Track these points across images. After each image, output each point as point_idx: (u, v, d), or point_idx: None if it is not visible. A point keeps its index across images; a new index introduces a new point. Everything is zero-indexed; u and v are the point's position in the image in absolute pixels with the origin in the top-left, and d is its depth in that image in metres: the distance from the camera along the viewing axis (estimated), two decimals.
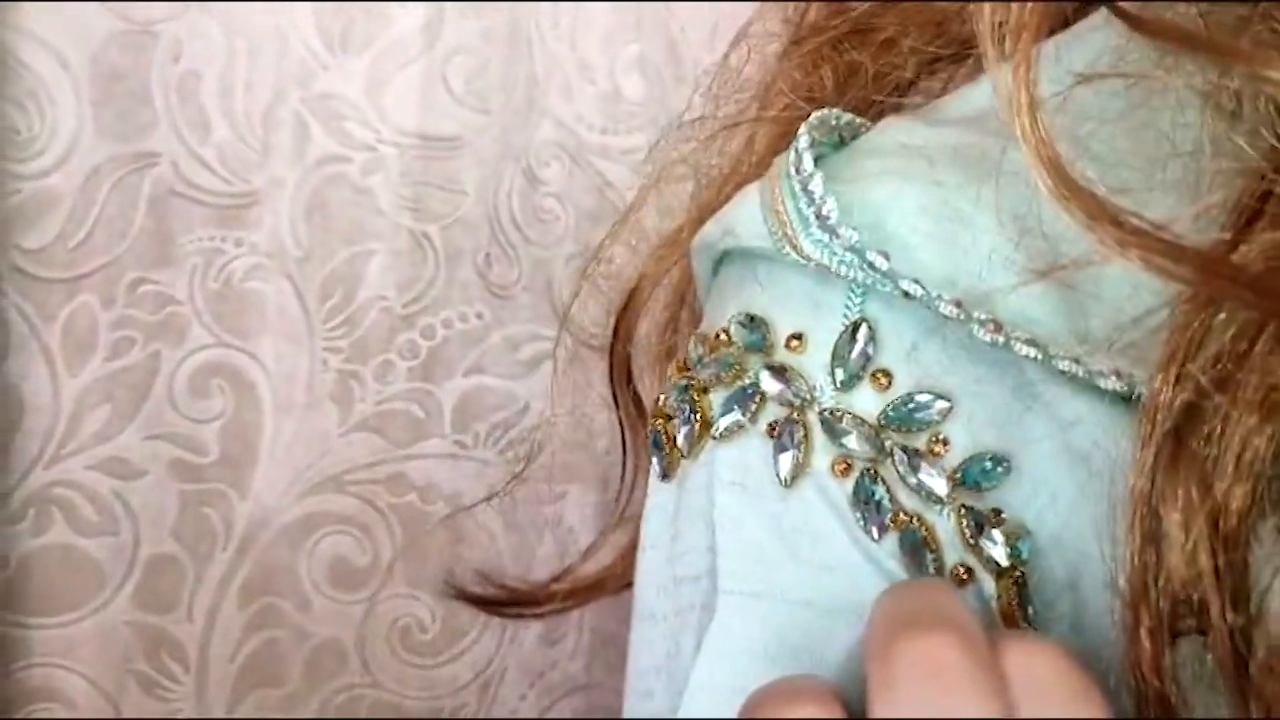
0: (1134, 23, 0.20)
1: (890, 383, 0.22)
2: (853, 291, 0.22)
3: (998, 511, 0.22)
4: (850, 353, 0.22)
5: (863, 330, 0.22)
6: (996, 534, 0.21)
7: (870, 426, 0.22)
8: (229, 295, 0.57)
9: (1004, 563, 0.21)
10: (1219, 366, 0.18)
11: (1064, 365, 0.21)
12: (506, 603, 0.41)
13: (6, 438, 0.53)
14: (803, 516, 0.23)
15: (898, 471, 0.22)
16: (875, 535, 0.22)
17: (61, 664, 0.54)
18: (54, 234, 0.53)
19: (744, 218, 0.23)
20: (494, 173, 0.61)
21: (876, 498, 0.22)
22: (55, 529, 0.54)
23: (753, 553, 0.23)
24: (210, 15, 0.56)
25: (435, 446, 0.62)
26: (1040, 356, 0.21)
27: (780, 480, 0.23)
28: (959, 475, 0.22)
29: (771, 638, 0.22)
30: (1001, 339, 0.21)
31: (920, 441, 0.22)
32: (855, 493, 0.22)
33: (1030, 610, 0.21)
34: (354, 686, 0.62)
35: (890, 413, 0.22)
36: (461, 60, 0.61)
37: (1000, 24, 0.21)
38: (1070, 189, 0.19)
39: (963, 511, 0.22)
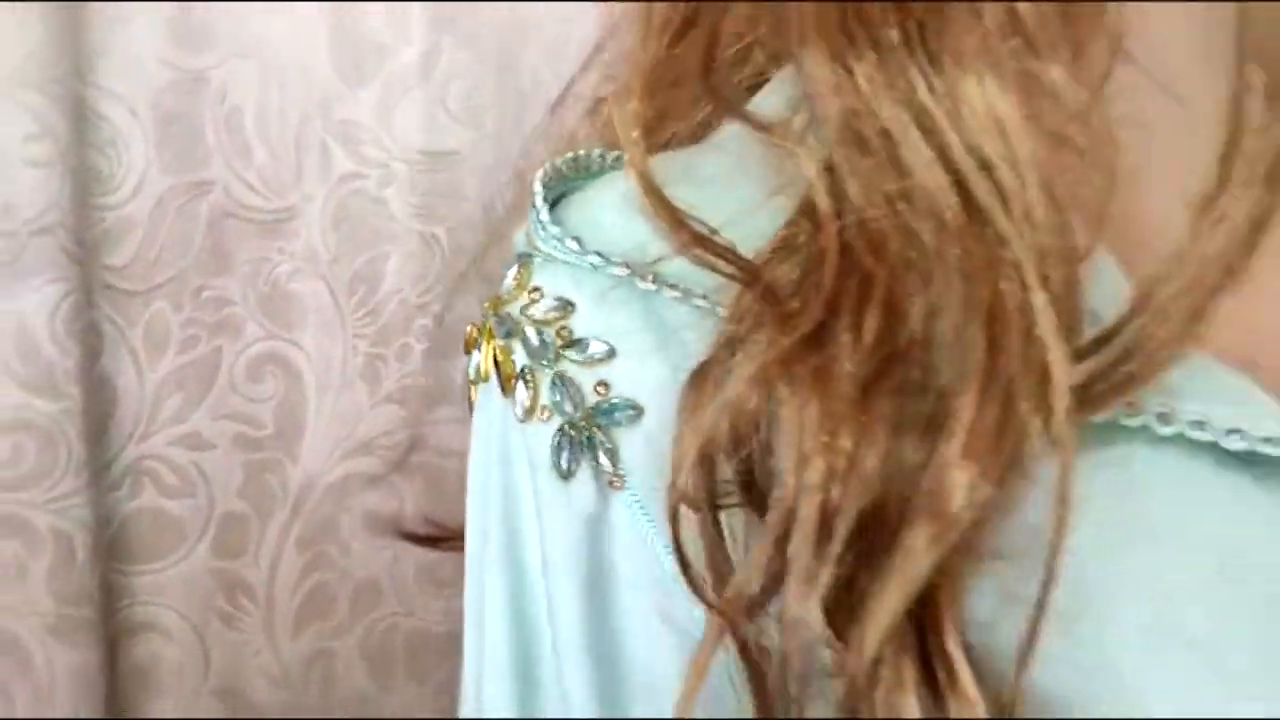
0: (723, 105, 0.31)
1: (571, 334, 0.31)
2: (559, 268, 0.32)
3: (606, 385, 0.30)
4: (549, 314, 0.31)
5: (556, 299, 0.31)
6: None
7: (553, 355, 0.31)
8: (275, 296, 0.68)
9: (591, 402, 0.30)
10: (740, 326, 0.27)
11: (698, 303, 0.31)
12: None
13: (104, 422, 0.65)
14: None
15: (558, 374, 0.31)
16: (520, 415, 0.31)
17: (157, 602, 0.66)
18: (132, 254, 0.65)
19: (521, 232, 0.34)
20: (491, 180, 0.73)
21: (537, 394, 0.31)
22: (146, 494, 0.66)
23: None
24: (247, 59, 0.67)
25: (449, 414, 0.74)
26: (680, 297, 0.31)
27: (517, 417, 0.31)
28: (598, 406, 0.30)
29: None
30: (655, 288, 0.30)
31: (586, 377, 0.31)
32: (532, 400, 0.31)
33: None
34: (391, 615, 0.74)
35: (570, 354, 0.30)
36: (457, 85, 0.72)
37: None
38: (659, 204, 0.30)
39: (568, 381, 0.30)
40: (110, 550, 0.65)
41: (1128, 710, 0.26)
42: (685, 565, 0.28)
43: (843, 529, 0.24)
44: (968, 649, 0.25)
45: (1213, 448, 0.28)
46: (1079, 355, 0.26)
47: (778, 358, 0.25)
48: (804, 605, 0.24)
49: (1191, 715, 0.25)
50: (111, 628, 0.65)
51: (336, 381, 0.70)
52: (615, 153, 0.35)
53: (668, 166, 0.31)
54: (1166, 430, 0.28)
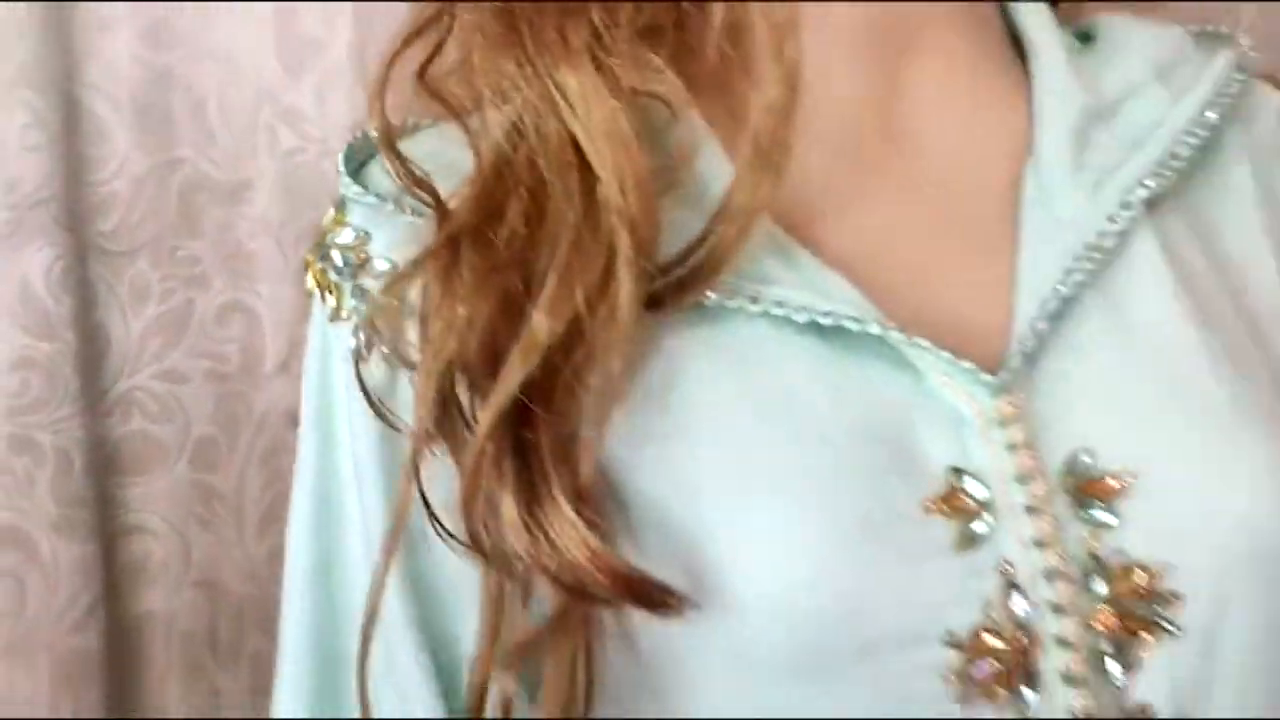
0: (428, 96, 0.43)
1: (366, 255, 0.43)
2: (355, 208, 0.44)
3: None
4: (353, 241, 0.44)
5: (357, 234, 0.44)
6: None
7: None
8: (238, 254, 0.82)
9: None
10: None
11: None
12: None
13: (98, 361, 0.79)
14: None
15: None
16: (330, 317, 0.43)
17: (145, 509, 0.80)
18: (118, 221, 0.78)
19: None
20: None
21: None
22: (134, 420, 0.80)
23: None
24: (208, 58, 0.80)
25: None
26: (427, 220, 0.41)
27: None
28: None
29: None
30: (412, 218, 0.42)
31: (374, 286, 0.42)
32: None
33: None
34: None
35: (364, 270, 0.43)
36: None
37: None
38: (390, 155, 0.42)
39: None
40: (106, 466, 0.80)
41: (695, 508, 0.38)
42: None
43: (465, 374, 0.37)
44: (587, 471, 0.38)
45: (789, 321, 0.40)
46: (663, 267, 0.39)
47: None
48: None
49: (732, 511, 0.38)
50: (108, 530, 0.80)
51: (289, 322, 0.83)
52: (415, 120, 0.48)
53: (428, 134, 0.44)
54: (755, 308, 0.40)
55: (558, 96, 0.37)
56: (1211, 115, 0.45)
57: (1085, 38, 0.50)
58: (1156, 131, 0.44)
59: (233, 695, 0.83)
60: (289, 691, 0.47)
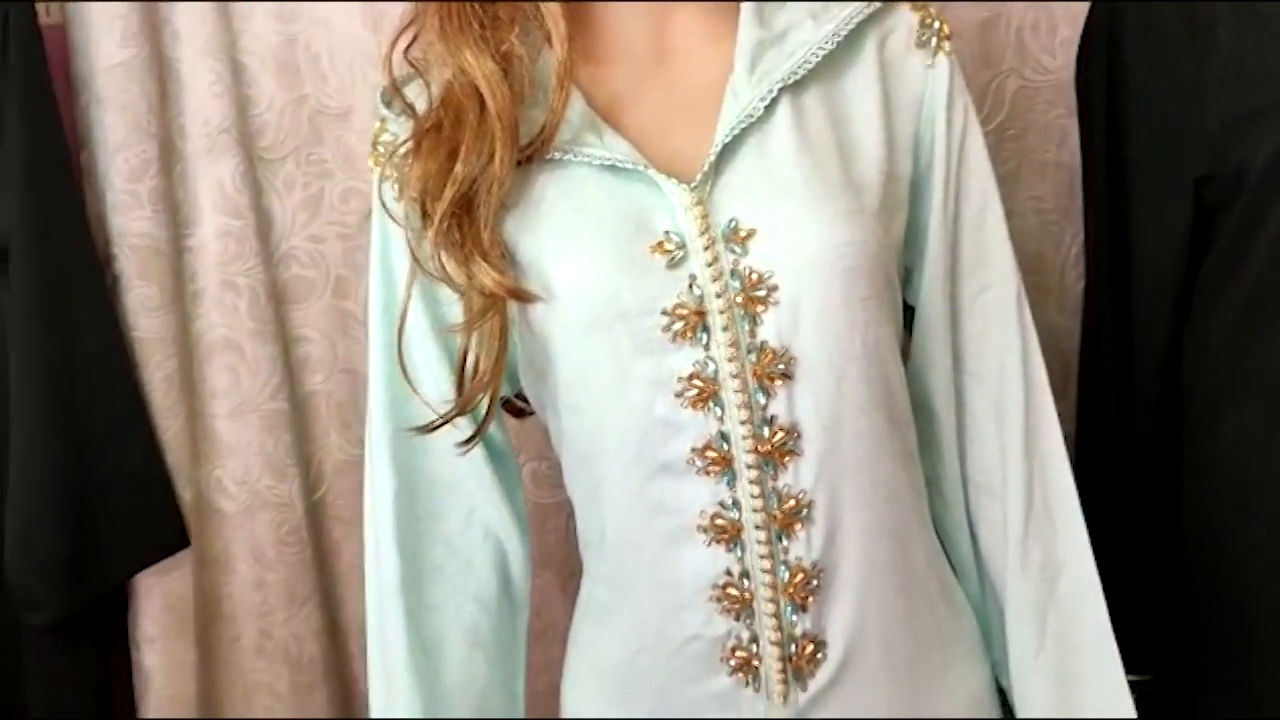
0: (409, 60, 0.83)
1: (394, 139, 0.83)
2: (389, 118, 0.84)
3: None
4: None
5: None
6: None
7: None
8: (350, 155, 1.24)
9: None
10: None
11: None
12: None
13: (268, 231, 1.23)
14: None
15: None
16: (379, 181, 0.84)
17: (307, 326, 1.25)
18: (271, 139, 1.22)
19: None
20: None
21: None
22: (294, 267, 1.24)
23: None
24: (320, 25, 1.22)
25: None
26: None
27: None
28: None
29: None
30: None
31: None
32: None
33: None
34: None
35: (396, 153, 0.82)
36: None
37: None
38: (389, 78, 0.83)
39: None
40: (278, 297, 1.24)
41: (542, 255, 0.79)
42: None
43: (436, 202, 0.78)
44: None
45: (595, 165, 0.80)
46: (527, 143, 0.79)
47: (410, 140, 0.79)
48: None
49: (558, 254, 0.78)
50: (284, 338, 1.25)
51: None
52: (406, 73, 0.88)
53: (412, 81, 0.85)
54: (577, 160, 0.80)
55: (465, 63, 0.77)
56: (837, 38, 0.81)
57: None
58: (801, 50, 0.80)
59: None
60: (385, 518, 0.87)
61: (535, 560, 0.95)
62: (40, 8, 1.14)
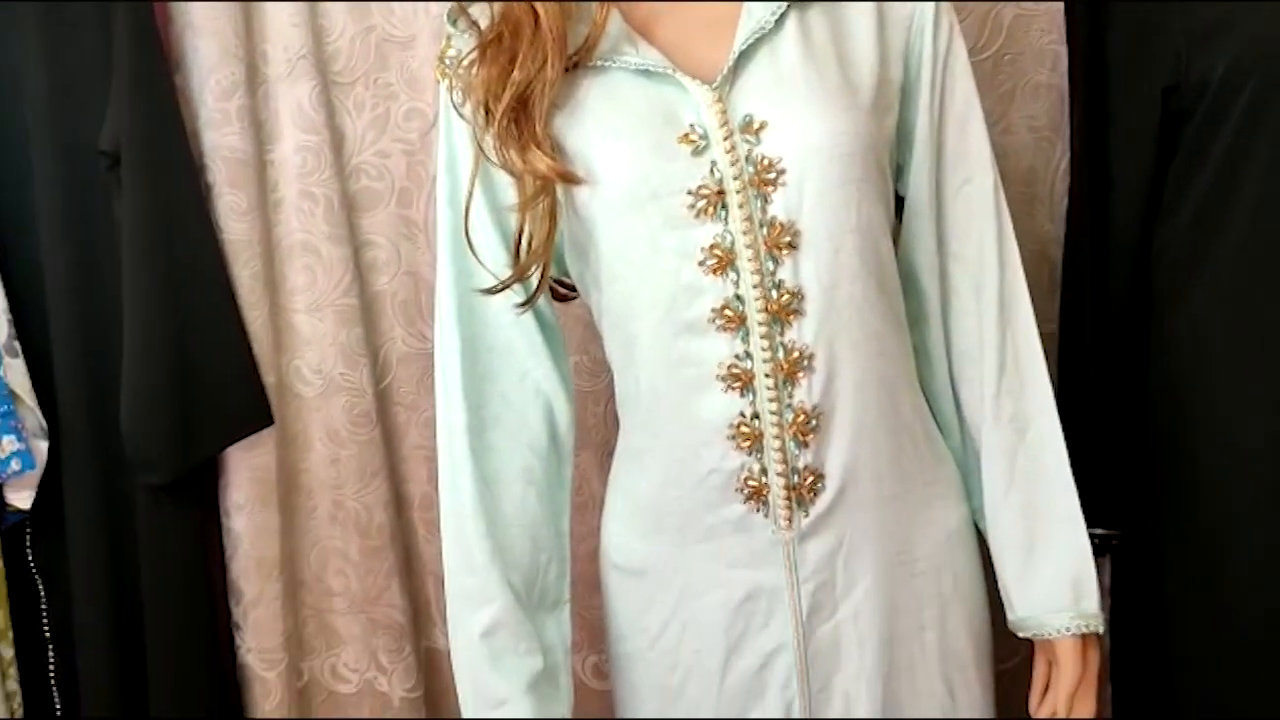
0: None
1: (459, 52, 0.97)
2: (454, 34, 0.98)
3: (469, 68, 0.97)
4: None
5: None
6: None
7: None
8: (413, 79, 1.39)
9: None
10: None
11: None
12: None
13: (341, 146, 1.38)
14: None
15: None
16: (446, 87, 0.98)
17: (374, 232, 1.41)
18: (343, 64, 1.37)
19: None
20: None
21: None
22: (363, 180, 1.40)
23: None
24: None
25: None
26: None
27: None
28: None
29: None
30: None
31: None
32: None
33: None
34: None
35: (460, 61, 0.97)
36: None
37: None
38: (460, 12, 0.99)
39: None
40: (350, 206, 1.40)
41: (587, 144, 0.94)
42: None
43: (498, 102, 0.92)
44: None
45: (631, 70, 0.95)
46: (574, 52, 0.93)
47: (475, 50, 0.94)
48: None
49: (599, 142, 0.94)
50: (354, 242, 1.40)
51: None
52: None
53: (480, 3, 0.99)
54: (616, 65, 0.95)
55: None
56: None
57: None
58: None
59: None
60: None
61: (576, 439, 1.10)
62: None
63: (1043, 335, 1.23)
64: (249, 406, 1.35)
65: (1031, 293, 1.06)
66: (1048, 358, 1.06)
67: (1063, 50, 1.34)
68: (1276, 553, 1.15)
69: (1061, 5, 1.30)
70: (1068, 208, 1.29)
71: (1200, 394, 1.16)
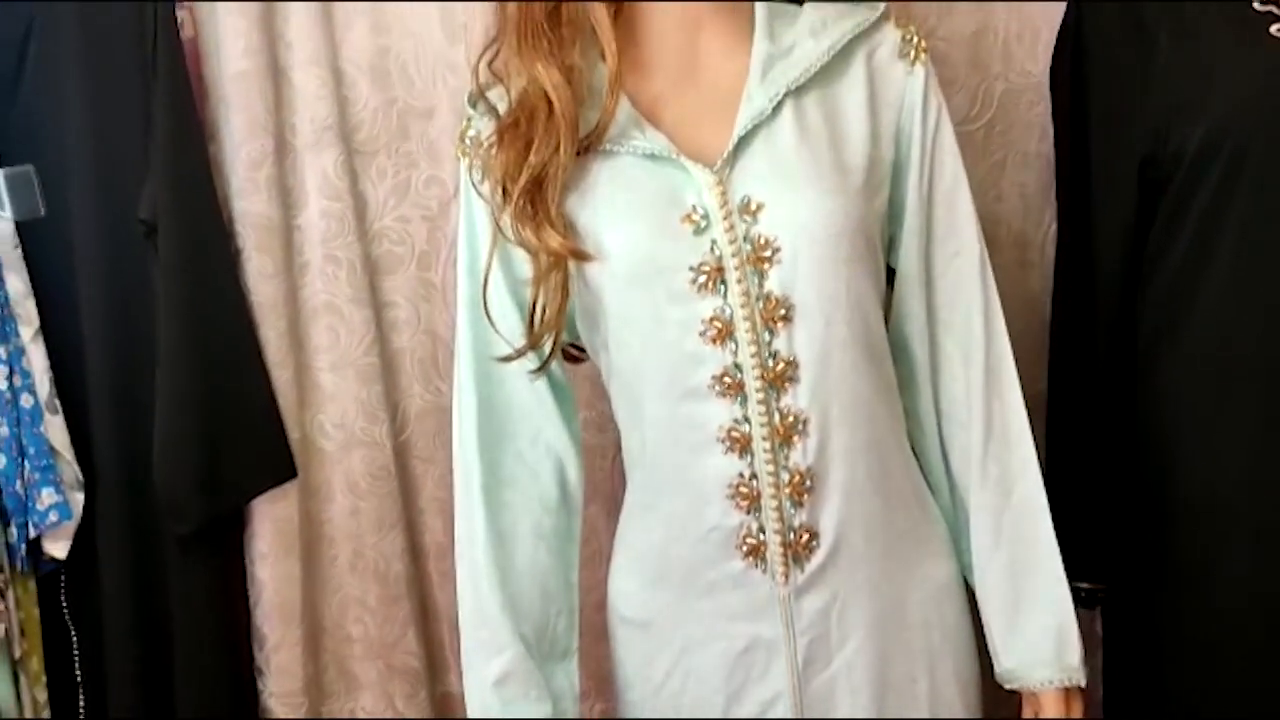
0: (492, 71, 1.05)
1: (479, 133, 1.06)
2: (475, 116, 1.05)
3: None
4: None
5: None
6: None
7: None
8: (432, 150, 1.46)
9: None
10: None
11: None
12: None
13: (363, 212, 1.45)
14: None
15: None
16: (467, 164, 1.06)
17: (396, 294, 1.47)
18: (366, 134, 1.44)
19: None
20: None
21: None
22: (384, 244, 1.47)
23: None
24: (408, 37, 1.44)
25: None
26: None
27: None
28: None
29: None
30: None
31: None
32: None
33: None
34: None
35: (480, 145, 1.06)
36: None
37: None
38: (476, 85, 1.07)
39: None
40: (372, 268, 1.47)
41: (596, 224, 1.01)
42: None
43: (514, 183, 0.99)
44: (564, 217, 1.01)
45: (638, 154, 1.02)
46: (585, 137, 1.00)
47: (494, 134, 1.01)
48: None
49: (609, 223, 1.00)
50: (375, 304, 1.47)
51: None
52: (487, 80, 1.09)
53: (494, 88, 1.06)
54: (624, 150, 1.02)
55: (537, 74, 0.99)
56: (833, 52, 1.02)
57: (799, 3, 1.07)
58: (803, 62, 1.01)
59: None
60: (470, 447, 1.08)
61: (585, 493, 1.16)
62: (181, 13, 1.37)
63: (1036, 395, 1.30)
64: (274, 459, 1.41)
65: (1025, 353, 1.12)
66: (1037, 416, 1.12)
67: (1050, 122, 1.40)
68: (1260, 601, 1.20)
69: (1048, 79, 1.37)
70: (1055, 269, 1.35)
71: (1180, 447, 1.21)
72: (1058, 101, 1.32)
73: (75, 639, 1.42)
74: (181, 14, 1.39)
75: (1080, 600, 1.26)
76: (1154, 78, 1.18)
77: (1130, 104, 1.20)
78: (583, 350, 1.14)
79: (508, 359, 1.05)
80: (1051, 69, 1.33)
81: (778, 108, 1.01)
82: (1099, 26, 1.24)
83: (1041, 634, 1.06)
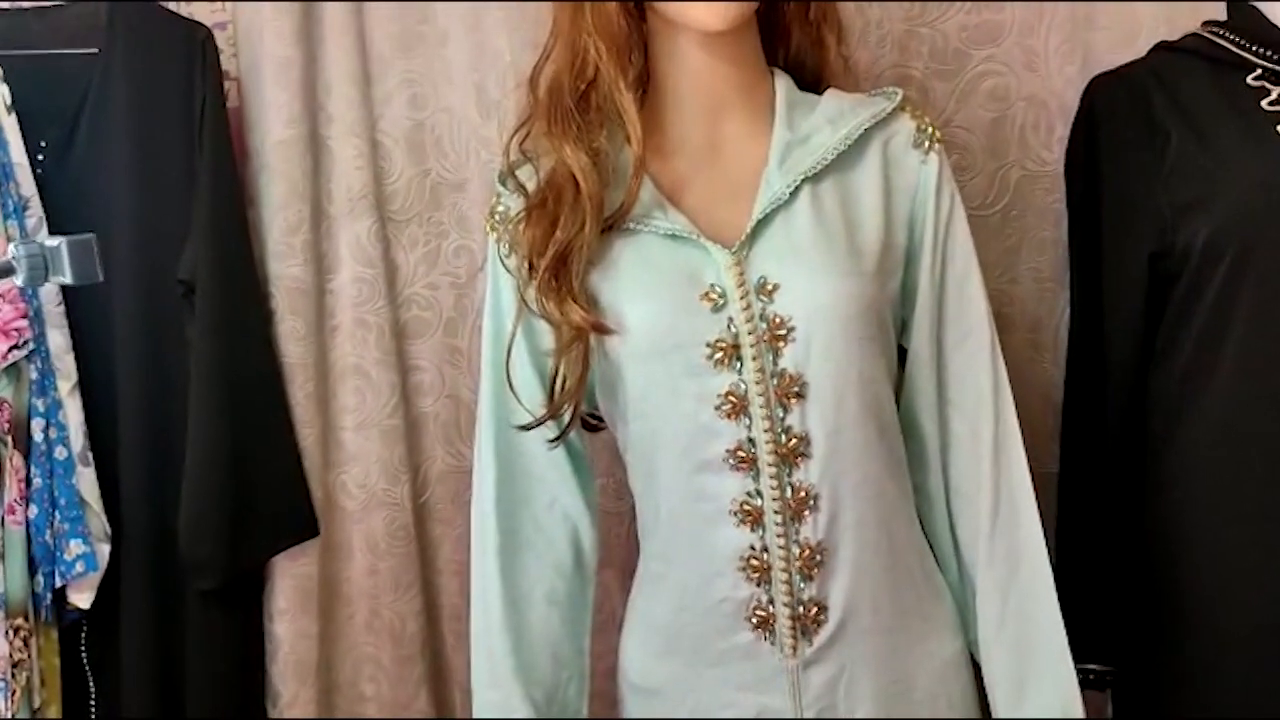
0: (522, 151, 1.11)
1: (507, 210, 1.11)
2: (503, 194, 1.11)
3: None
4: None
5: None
6: None
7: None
8: (463, 220, 1.51)
9: None
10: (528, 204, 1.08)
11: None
12: None
13: (394, 278, 1.50)
14: None
15: None
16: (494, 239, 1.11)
17: (422, 359, 1.51)
18: (400, 204, 1.49)
19: None
20: None
21: None
22: (414, 309, 1.50)
23: None
24: (442, 112, 1.49)
25: None
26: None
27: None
28: None
29: None
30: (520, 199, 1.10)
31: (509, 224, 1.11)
32: None
33: None
34: None
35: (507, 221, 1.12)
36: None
37: None
38: (506, 163, 1.13)
39: None
40: (399, 333, 1.51)
41: (618, 300, 1.04)
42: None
43: (540, 259, 1.03)
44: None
45: (660, 234, 1.06)
46: (609, 216, 1.04)
47: (523, 211, 1.05)
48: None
49: (630, 300, 1.04)
50: (402, 367, 1.51)
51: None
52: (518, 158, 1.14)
53: (523, 166, 1.11)
54: (646, 229, 1.06)
55: (565, 156, 1.04)
56: (849, 141, 1.06)
57: (819, 92, 1.11)
58: (820, 150, 1.05)
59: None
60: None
61: (599, 559, 1.19)
62: (228, 84, 1.44)
63: (1046, 475, 1.32)
64: (297, 517, 1.44)
65: (1036, 434, 1.14)
66: (1047, 497, 1.14)
67: (1064, 209, 1.44)
68: (1270, 690, 1.21)
69: (1062, 168, 1.41)
70: (1068, 354, 1.38)
71: (1193, 531, 1.22)
72: (1071, 190, 1.36)
73: (93, 689, 1.44)
74: (228, 85, 1.45)
75: (1090, 682, 1.27)
76: (1162, 174, 1.22)
77: (1140, 197, 1.24)
78: (601, 419, 1.17)
79: (527, 427, 1.08)
80: (1066, 158, 1.37)
81: (795, 193, 1.05)
82: (1111, 120, 1.28)
83: (1046, 712, 1.07)
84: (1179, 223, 1.20)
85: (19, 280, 0.85)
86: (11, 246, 0.85)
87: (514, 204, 1.09)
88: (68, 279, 0.83)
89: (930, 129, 1.10)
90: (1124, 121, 1.26)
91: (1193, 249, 1.19)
